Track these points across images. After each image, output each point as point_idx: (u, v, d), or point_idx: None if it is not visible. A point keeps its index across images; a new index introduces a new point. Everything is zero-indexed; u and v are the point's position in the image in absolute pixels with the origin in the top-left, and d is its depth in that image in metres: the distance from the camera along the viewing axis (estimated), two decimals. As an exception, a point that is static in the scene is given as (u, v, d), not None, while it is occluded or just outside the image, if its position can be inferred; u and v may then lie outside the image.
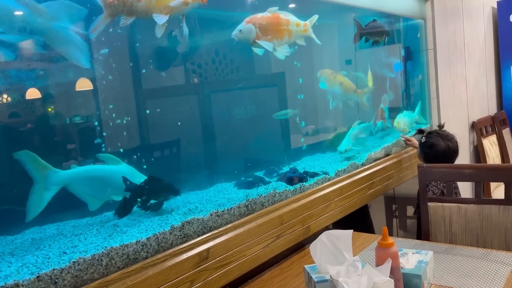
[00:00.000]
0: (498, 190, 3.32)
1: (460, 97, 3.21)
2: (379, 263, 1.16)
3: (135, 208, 1.27)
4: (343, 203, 1.83)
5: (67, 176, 1.19)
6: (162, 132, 1.56)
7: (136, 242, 1.09)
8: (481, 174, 1.72)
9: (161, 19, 1.15)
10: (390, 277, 1.11)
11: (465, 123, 3.33)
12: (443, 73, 2.88)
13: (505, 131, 3.81)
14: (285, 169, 1.76)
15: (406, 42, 2.72)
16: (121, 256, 1.06)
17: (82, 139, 1.34)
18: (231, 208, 1.37)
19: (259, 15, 1.55)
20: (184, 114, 1.67)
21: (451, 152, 2.02)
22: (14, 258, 1.00)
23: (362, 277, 1.08)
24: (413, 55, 2.70)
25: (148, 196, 1.23)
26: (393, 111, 2.56)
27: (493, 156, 3.50)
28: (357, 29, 2.18)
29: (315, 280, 1.22)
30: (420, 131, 2.15)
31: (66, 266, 0.96)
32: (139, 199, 1.23)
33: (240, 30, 1.49)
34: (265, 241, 1.44)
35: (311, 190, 1.69)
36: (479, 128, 3.44)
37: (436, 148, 2.00)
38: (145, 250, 1.11)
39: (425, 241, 1.69)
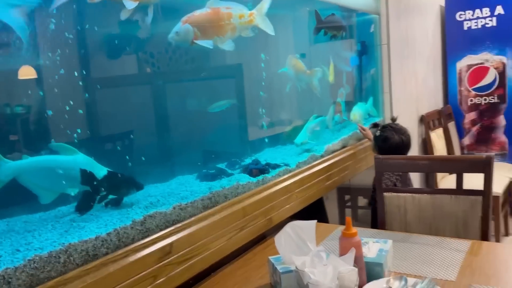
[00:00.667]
0: (444, 181, 3.49)
1: (411, 92, 3.34)
2: (342, 252, 1.18)
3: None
4: (303, 194, 1.85)
5: (18, 167, 1.11)
6: (120, 122, 1.49)
7: (96, 237, 1.04)
8: (434, 165, 1.79)
9: (130, 4, 1.11)
10: (354, 266, 1.14)
11: (414, 117, 3.46)
12: (395, 68, 2.97)
13: (451, 125, 4.00)
14: (247, 161, 1.75)
15: (361, 36, 2.78)
16: (80, 253, 1.00)
17: (32, 129, 1.25)
18: (194, 201, 1.34)
19: (197, 12, 1.45)
20: (142, 104, 1.61)
21: (404, 145, 2.11)
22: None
23: (328, 267, 1.09)
24: (368, 50, 2.77)
25: (109, 191, 1.17)
26: (349, 105, 2.61)
27: (439, 148, 3.67)
28: (317, 22, 2.20)
29: (280, 271, 1.22)
30: (375, 125, 2.22)
31: (20, 264, 0.89)
32: (104, 193, 1.17)
33: (177, 32, 1.39)
34: (228, 233, 1.43)
35: (273, 182, 1.69)
36: (427, 122, 3.60)
37: (390, 141, 2.08)
38: (105, 246, 1.06)
39: (382, 230, 1.75)
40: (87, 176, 1.14)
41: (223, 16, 1.49)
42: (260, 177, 1.64)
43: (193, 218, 1.32)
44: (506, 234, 3.41)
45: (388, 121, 2.79)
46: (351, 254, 1.15)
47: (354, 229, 1.19)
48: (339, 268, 1.11)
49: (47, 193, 1.15)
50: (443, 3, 4.15)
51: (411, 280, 1.17)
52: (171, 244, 1.20)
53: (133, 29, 1.42)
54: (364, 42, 2.73)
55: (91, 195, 1.16)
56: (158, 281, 1.15)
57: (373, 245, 1.32)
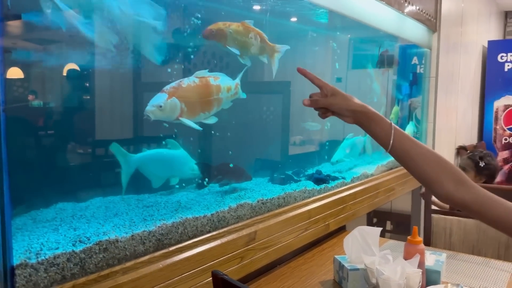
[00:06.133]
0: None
1: (451, 124, 3.48)
2: (407, 256, 1.33)
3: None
4: (355, 207, 2.01)
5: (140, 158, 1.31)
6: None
7: (204, 216, 1.22)
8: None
9: None
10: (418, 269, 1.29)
11: (452, 148, 3.59)
12: (440, 100, 3.13)
13: (484, 160, 4.11)
14: (310, 171, 1.92)
15: (411, 67, 2.95)
16: (192, 227, 1.19)
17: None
18: (272, 198, 1.52)
19: (184, 83, 1.23)
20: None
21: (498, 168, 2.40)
22: (97, 220, 1.10)
23: (397, 266, 1.25)
24: (418, 80, 2.93)
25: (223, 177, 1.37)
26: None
27: (472, 181, 3.78)
28: (380, 56, 2.40)
29: (348, 268, 1.38)
30: (464, 148, 2.43)
31: (152, 229, 1.08)
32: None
33: (160, 106, 1.15)
34: (296, 231, 1.59)
35: (332, 192, 1.86)
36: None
37: (493, 169, 2.37)
38: (209, 225, 1.24)
39: (428, 246, 1.89)
40: (203, 166, 1.35)
41: (212, 90, 1.31)
42: (322, 186, 1.81)
43: (271, 213, 1.49)
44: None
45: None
46: (416, 259, 1.30)
47: (419, 238, 1.34)
48: (406, 269, 1.26)
49: (157, 179, 1.34)
50: (485, 43, 4.30)
51: (466, 289, 1.32)
52: (255, 232, 1.38)
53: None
54: (415, 73, 2.90)
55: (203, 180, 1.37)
56: (243, 262, 1.33)
57: (430, 256, 1.47)
